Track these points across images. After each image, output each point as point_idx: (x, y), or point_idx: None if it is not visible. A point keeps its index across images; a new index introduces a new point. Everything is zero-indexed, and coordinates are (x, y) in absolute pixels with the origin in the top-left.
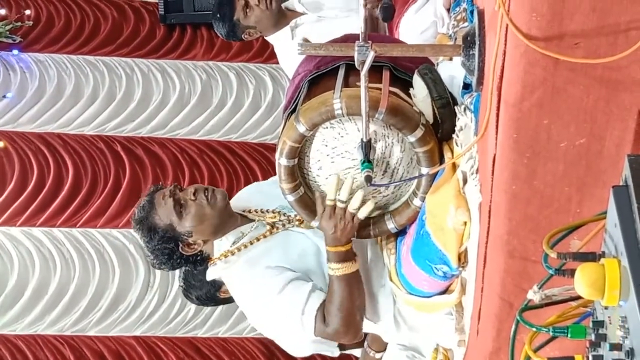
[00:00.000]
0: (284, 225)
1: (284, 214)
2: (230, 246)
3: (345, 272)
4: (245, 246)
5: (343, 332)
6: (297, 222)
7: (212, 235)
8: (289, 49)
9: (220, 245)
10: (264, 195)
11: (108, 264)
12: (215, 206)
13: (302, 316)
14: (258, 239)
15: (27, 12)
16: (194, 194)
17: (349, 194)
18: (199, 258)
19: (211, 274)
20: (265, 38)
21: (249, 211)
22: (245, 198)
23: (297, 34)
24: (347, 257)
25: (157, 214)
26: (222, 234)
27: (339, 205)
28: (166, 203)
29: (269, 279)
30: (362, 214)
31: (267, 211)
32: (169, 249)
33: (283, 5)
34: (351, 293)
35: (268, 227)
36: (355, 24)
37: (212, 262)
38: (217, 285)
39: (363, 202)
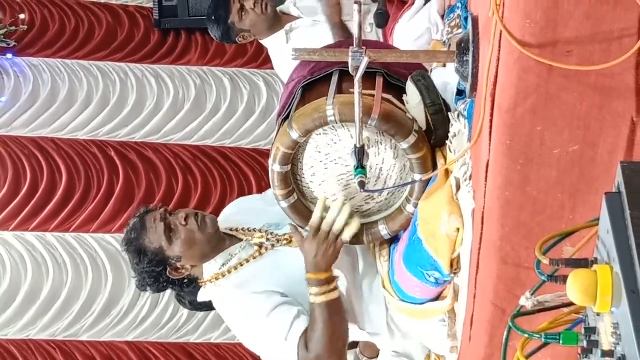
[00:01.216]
0: (273, 245)
1: (272, 234)
2: (220, 268)
3: (326, 300)
4: (236, 268)
5: (325, 358)
6: (285, 242)
7: (201, 260)
8: (283, 53)
9: (209, 268)
10: (249, 212)
11: (101, 269)
12: (205, 232)
13: (285, 342)
14: (248, 261)
15: (22, 16)
16: (185, 219)
17: (336, 215)
18: (186, 281)
19: (202, 296)
20: (260, 42)
21: (236, 230)
22: (231, 216)
23: (292, 38)
24: (328, 284)
25: (147, 237)
26: (210, 257)
27: (324, 227)
28: (157, 227)
29: (256, 304)
30: (347, 235)
31: (255, 230)
32: (157, 273)
33: (278, 9)
34: (332, 320)
35: (256, 247)
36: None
37: (203, 283)
38: None
39: (346, 225)
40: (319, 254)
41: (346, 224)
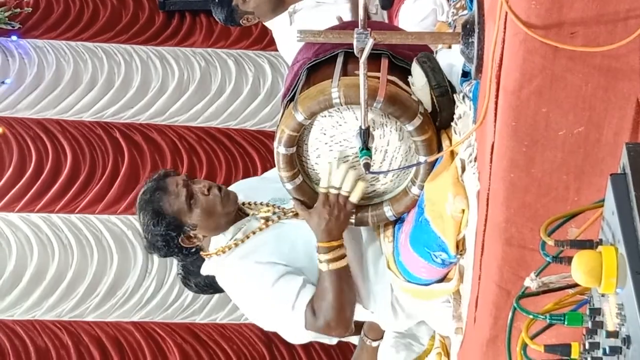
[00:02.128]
0: (279, 218)
1: (278, 207)
2: (227, 242)
3: (336, 268)
4: (243, 241)
5: (333, 326)
6: (291, 214)
7: (213, 232)
8: (287, 34)
9: (217, 240)
10: (255, 189)
11: (106, 249)
12: (226, 205)
13: (293, 311)
14: (254, 233)
15: None
16: (208, 190)
17: (342, 179)
18: (192, 250)
19: (206, 269)
20: (264, 24)
21: (243, 204)
22: (237, 191)
23: (296, 19)
24: (338, 252)
25: (167, 201)
26: (221, 231)
27: (332, 191)
28: (179, 192)
29: (260, 274)
30: (355, 197)
31: (261, 204)
32: (170, 237)
33: None
34: (341, 288)
35: (262, 221)
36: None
37: (208, 256)
38: None
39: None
40: (331, 220)
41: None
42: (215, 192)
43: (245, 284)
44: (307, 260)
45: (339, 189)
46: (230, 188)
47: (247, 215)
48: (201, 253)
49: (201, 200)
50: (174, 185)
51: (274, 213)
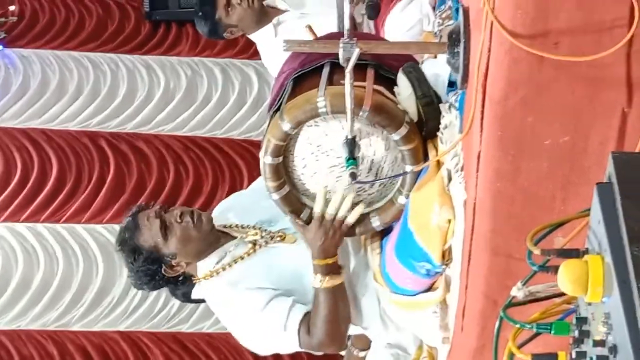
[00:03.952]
0: (266, 242)
1: (265, 231)
2: (214, 266)
3: (331, 285)
4: (230, 265)
5: (327, 343)
6: (278, 239)
7: (196, 257)
8: (272, 46)
9: (204, 265)
10: (243, 208)
11: (92, 259)
12: (201, 229)
13: (285, 332)
14: (242, 258)
15: (12, 7)
16: (180, 217)
17: (338, 206)
18: (180, 279)
19: (196, 294)
20: (248, 36)
21: (230, 227)
22: (224, 212)
23: (280, 31)
24: (334, 269)
25: (141, 236)
26: (205, 255)
27: (328, 216)
28: (151, 224)
29: (250, 300)
30: (352, 218)
31: (248, 227)
32: (152, 271)
33: (265, 2)
34: (336, 305)
35: (250, 245)
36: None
37: (197, 280)
38: None
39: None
40: (326, 240)
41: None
42: (187, 218)
43: (236, 311)
44: (296, 283)
45: (336, 210)
46: (221, 204)
47: (234, 238)
48: (192, 279)
49: (175, 228)
50: (145, 219)
51: (262, 237)
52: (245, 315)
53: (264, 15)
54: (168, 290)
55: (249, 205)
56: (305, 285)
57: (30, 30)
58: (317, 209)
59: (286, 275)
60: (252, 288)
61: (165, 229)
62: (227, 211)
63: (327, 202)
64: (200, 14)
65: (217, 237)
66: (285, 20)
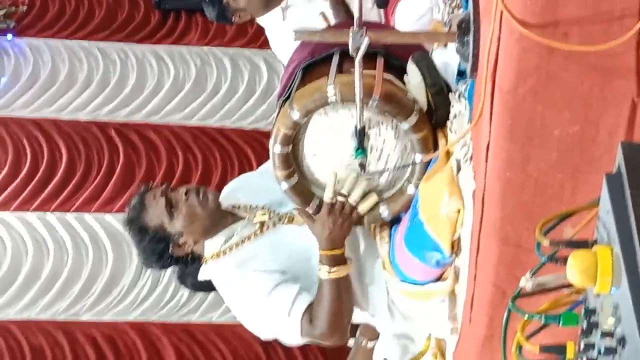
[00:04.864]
0: (274, 224)
1: (274, 212)
2: (221, 246)
3: (336, 276)
4: (237, 245)
5: (329, 334)
6: (286, 220)
7: (203, 236)
8: (280, 30)
9: (211, 244)
10: (252, 189)
11: (101, 248)
12: (206, 207)
13: (288, 318)
14: (249, 238)
15: None
16: (186, 194)
17: (351, 187)
18: (189, 258)
19: (203, 274)
20: (257, 20)
21: (239, 207)
22: (233, 192)
23: (288, 15)
24: (340, 260)
25: (148, 214)
26: (213, 234)
27: (339, 199)
28: (157, 203)
29: (257, 282)
30: (364, 209)
31: (257, 208)
32: (160, 249)
33: None
34: (340, 296)
35: (258, 225)
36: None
37: (204, 261)
38: None
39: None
40: (335, 229)
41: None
42: (193, 195)
43: (241, 292)
44: (304, 266)
45: (346, 197)
46: (231, 183)
47: (242, 218)
48: (201, 259)
49: (181, 206)
50: (152, 198)
51: (270, 218)
52: (251, 298)
53: None
54: (177, 278)
55: (259, 186)
56: (313, 266)
57: (40, 19)
58: (328, 194)
59: (294, 255)
60: (260, 270)
61: (170, 207)
62: (236, 190)
63: (338, 188)
64: None
65: (225, 216)
66: (294, 4)
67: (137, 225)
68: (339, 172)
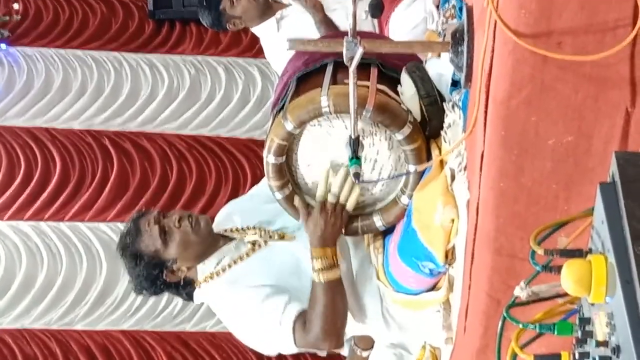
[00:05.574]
0: (265, 242)
1: (264, 230)
2: (214, 268)
3: (329, 279)
4: (230, 266)
5: (324, 338)
6: (277, 237)
7: (196, 261)
8: (274, 41)
9: (204, 268)
10: (243, 212)
11: (95, 257)
12: (199, 233)
13: (280, 327)
14: (241, 258)
15: (16, 6)
16: (178, 221)
17: (341, 184)
18: (182, 284)
19: (197, 298)
20: (251, 29)
21: (230, 230)
22: (225, 218)
23: (283, 25)
24: (332, 261)
25: (142, 241)
26: (205, 258)
27: (330, 199)
28: (151, 230)
29: (248, 296)
30: (350, 204)
31: (248, 228)
32: (153, 276)
33: None
34: (333, 300)
35: (249, 245)
36: (341, 17)
37: (197, 284)
38: None
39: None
40: (327, 228)
41: None
42: (186, 222)
43: (235, 309)
44: (295, 280)
45: (337, 196)
46: (222, 210)
47: (233, 240)
48: (194, 283)
49: (174, 233)
50: (146, 224)
51: (261, 236)
52: (244, 312)
53: (268, 8)
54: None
55: (250, 208)
56: (304, 282)
57: (34, 28)
58: (320, 190)
59: (285, 271)
60: (251, 285)
61: (164, 234)
62: (229, 215)
63: (328, 187)
64: (204, 4)
65: (217, 240)
66: (288, 14)
67: (131, 252)
68: (332, 183)
